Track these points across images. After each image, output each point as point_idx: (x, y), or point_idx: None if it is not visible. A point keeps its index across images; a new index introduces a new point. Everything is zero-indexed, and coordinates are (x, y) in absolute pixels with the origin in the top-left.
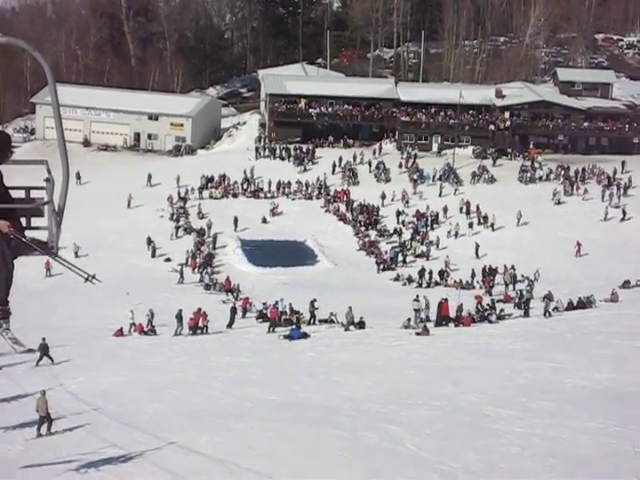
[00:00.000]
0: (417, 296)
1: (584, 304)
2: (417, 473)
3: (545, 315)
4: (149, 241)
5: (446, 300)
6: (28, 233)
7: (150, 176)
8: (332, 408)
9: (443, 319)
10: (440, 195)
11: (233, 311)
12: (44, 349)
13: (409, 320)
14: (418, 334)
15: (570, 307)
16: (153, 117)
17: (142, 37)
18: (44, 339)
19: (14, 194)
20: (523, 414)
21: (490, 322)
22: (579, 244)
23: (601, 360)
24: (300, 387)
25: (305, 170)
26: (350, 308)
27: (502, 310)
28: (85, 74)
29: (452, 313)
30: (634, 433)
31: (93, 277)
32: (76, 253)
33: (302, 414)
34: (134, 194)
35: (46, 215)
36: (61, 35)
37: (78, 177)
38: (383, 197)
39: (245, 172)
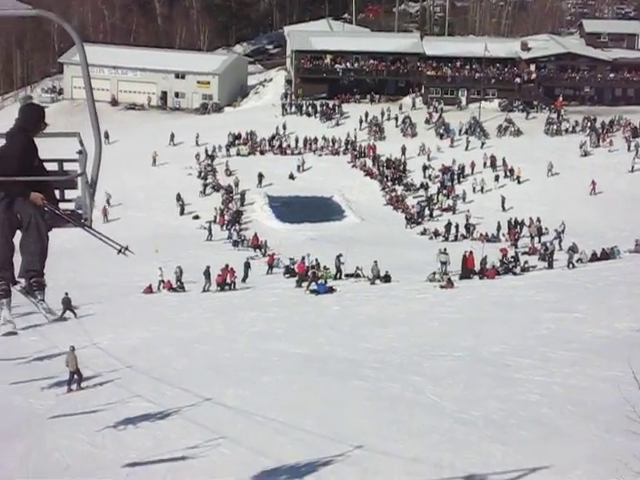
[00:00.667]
0: (444, 249)
1: (608, 255)
2: (438, 421)
3: (569, 267)
4: (178, 198)
5: (471, 253)
6: (62, 205)
7: (173, 135)
8: (356, 360)
9: (468, 272)
10: (467, 149)
11: (247, 265)
12: (67, 303)
13: (434, 273)
14: (442, 287)
15: (594, 258)
16: (180, 75)
17: None
18: (67, 294)
19: (48, 167)
20: (544, 364)
21: (514, 274)
22: (594, 182)
23: (622, 310)
24: (325, 340)
25: (338, 124)
26: (375, 262)
27: (526, 262)
28: (112, 33)
29: (477, 266)
30: None
31: (126, 249)
32: (108, 201)
33: (327, 366)
34: (161, 152)
35: (79, 187)
36: None
37: (106, 136)
38: (403, 151)
39: (277, 128)
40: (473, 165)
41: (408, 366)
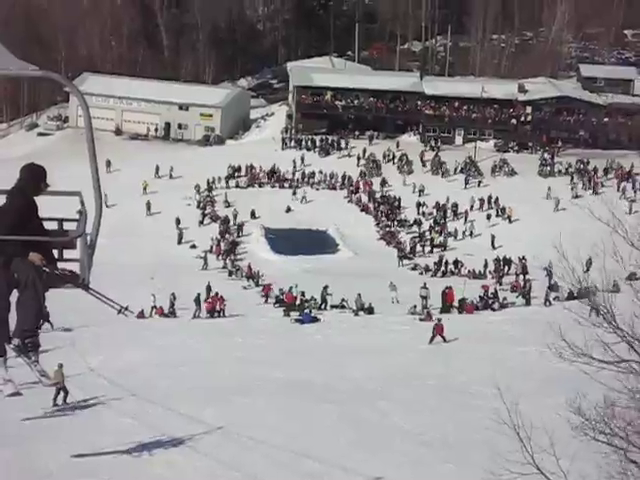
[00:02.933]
0: (424, 284)
1: (583, 294)
2: (399, 443)
3: (545, 304)
4: (177, 222)
5: (450, 288)
6: (60, 265)
7: (158, 167)
8: (331, 386)
9: (447, 306)
10: (465, 187)
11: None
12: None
13: (415, 307)
14: (422, 320)
15: (570, 297)
16: (183, 107)
17: (175, 28)
18: (46, 307)
19: (47, 225)
20: (505, 393)
21: (493, 310)
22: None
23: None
24: (304, 366)
25: (349, 156)
26: (359, 295)
27: (505, 299)
28: (119, 63)
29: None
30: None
31: (126, 309)
32: (106, 203)
33: (302, 391)
34: (158, 182)
35: (78, 247)
36: (95, 25)
37: (108, 165)
38: (383, 184)
39: (294, 161)
40: (466, 212)
41: (379, 392)
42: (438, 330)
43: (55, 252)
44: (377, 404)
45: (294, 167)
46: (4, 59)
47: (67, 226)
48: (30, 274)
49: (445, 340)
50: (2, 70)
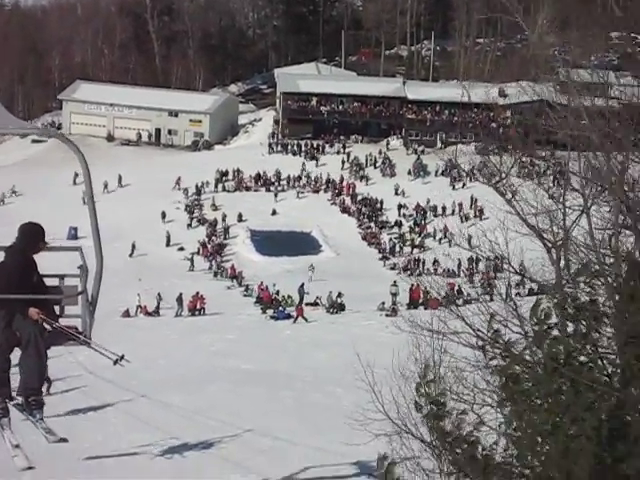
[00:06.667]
0: (394, 282)
1: (543, 290)
2: (340, 421)
3: (505, 300)
4: (163, 216)
5: (417, 286)
6: (62, 321)
7: (121, 177)
8: (292, 375)
9: (414, 302)
10: (450, 188)
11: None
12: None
13: (383, 303)
14: (387, 315)
15: (531, 292)
16: (173, 113)
17: (166, 36)
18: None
19: (48, 281)
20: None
21: (456, 306)
22: None
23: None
24: (271, 358)
25: (339, 153)
26: (330, 292)
27: (469, 294)
28: (111, 71)
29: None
30: None
31: (122, 358)
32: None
33: (265, 379)
34: (144, 186)
35: (79, 303)
36: (88, 34)
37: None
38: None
39: (303, 164)
40: (444, 208)
41: (334, 379)
42: (299, 312)
43: (57, 308)
44: (329, 390)
45: (302, 170)
46: (3, 119)
47: (68, 282)
48: (31, 332)
49: (307, 320)
50: (2, 129)
